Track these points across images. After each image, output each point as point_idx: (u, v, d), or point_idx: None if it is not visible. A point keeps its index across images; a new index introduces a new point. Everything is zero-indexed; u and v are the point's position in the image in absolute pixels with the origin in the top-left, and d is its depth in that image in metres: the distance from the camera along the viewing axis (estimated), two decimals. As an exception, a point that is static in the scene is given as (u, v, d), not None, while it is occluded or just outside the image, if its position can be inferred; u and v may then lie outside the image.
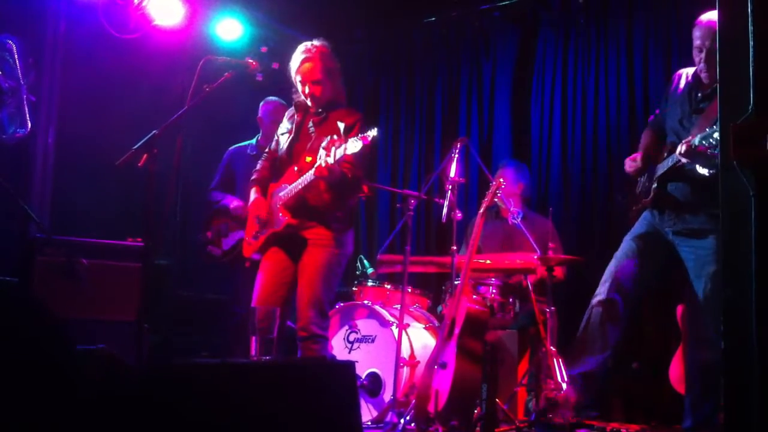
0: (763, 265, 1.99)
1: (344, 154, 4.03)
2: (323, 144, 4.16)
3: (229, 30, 6.64)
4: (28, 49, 5.62)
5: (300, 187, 4.22)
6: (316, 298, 4.19)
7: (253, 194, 4.49)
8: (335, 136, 4.15)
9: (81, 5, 5.95)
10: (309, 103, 4.40)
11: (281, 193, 4.33)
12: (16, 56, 5.53)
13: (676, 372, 4.84)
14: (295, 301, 4.23)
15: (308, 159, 4.27)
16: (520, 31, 6.82)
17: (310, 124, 4.41)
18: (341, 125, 4.30)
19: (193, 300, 6.25)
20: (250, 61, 4.42)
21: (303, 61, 4.38)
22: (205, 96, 4.09)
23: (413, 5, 7.01)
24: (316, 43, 4.42)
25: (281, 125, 4.57)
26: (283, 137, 4.48)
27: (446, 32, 7.17)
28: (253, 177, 4.57)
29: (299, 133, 4.42)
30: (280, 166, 4.44)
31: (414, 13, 7.13)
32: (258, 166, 4.60)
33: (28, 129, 5.59)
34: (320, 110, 4.40)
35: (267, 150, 4.63)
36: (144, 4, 5.97)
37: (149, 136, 3.74)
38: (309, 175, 4.17)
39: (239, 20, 6.66)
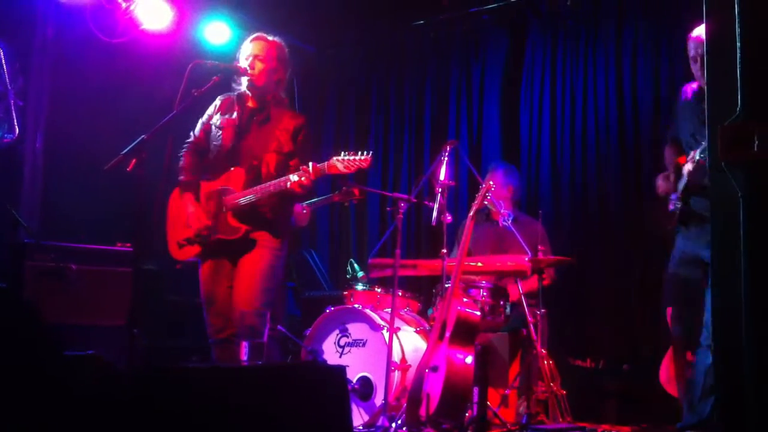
0: (753, 266, 2.00)
1: (327, 173, 4.02)
2: (273, 148, 4.19)
3: (218, 34, 6.63)
4: (15, 53, 5.60)
5: (259, 196, 4.12)
6: (260, 298, 4.14)
7: (189, 206, 4.27)
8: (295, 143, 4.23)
9: (69, 9, 5.94)
10: (245, 83, 4.32)
11: (226, 197, 4.20)
12: (3, 61, 5.51)
13: (667, 374, 4.85)
14: (236, 302, 4.15)
15: (255, 162, 4.22)
16: (510, 33, 6.84)
17: (253, 121, 4.33)
18: (290, 125, 4.27)
19: (183, 305, 6.22)
20: (239, 65, 4.40)
21: (255, 39, 4.37)
22: (194, 100, 4.07)
23: (403, 8, 7.01)
24: (276, 38, 4.42)
25: (213, 116, 4.42)
26: (218, 130, 4.35)
27: (436, 35, 7.18)
28: (181, 178, 4.36)
29: (242, 131, 4.31)
30: (217, 163, 4.30)
31: (403, 16, 7.14)
32: (183, 163, 4.39)
33: (16, 134, 5.57)
34: (262, 107, 4.34)
35: (190, 140, 4.46)
36: (132, 8, 5.95)
37: (138, 140, 3.72)
38: (277, 185, 4.08)
39: (227, 24, 6.65)
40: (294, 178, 4.02)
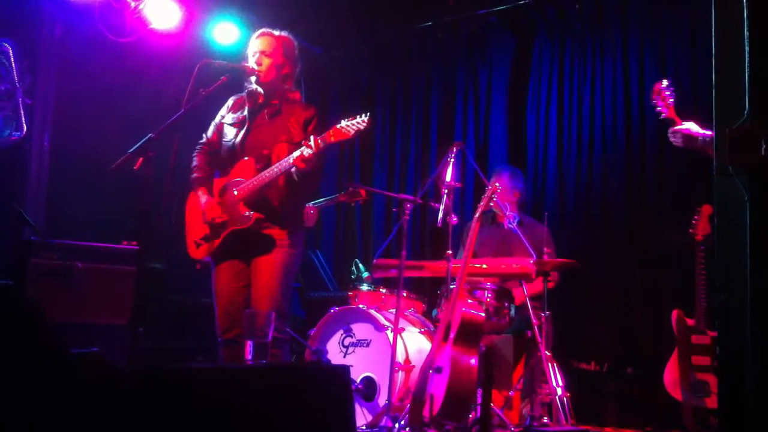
0: (758, 270, 1.99)
1: (329, 142, 4.00)
2: (284, 138, 4.20)
3: (226, 34, 6.64)
4: (24, 52, 5.62)
5: (267, 178, 4.11)
6: (275, 300, 4.13)
7: (202, 196, 4.31)
8: (305, 124, 4.23)
9: (77, 8, 5.95)
10: (254, 80, 4.33)
11: (238, 187, 4.19)
12: (12, 59, 5.54)
13: (671, 377, 4.84)
14: (252, 301, 4.15)
15: (265, 152, 4.22)
16: (516, 36, 6.83)
17: (264, 114, 4.34)
18: (301, 117, 4.29)
19: (187, 304, 6.23)
20: (247, 65, 4.41)
21: (262, 35, 4.38)
22: (202, 100, 4.08)
23: (409, 10, 7.01)
24: (283, 33, 4.42)
25: (225, 116, 4.44)
26: (230, 129, 4.37)
27: (442, 37, 7.18)
28: (194, 175, 4.40)
29: (252, 125, 4.32)
30: (228, 158, 4.31)
31: (409, 17, 7.13)
32: (196, 162, 4.43)
33: (24, 132, 5.59)
34: (272, 102, 4.35)
35: (203, 141, 4.48)
36: (140, 7, 5.96)
37: (145, 139, 3.73)
38: (281, 166, 4.07)
39: (236, 24, 6.66)
40: (296, 153, 4.03)
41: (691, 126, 3.89)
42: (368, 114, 4.04)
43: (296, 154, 4.02)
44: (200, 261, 4.38)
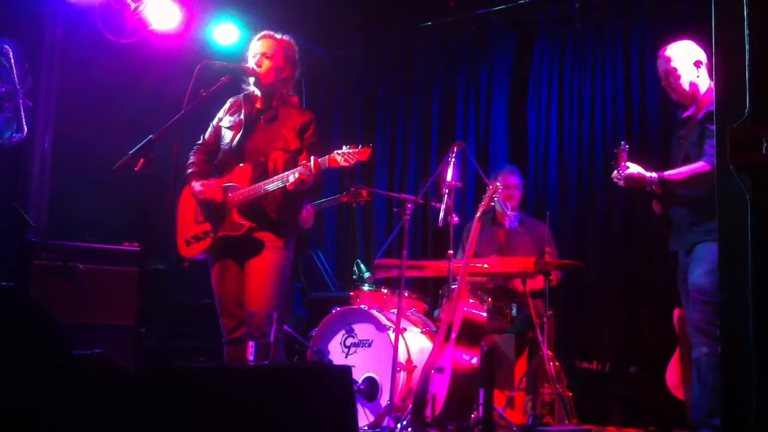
0: (760, 268, 1.99)
1: (328, 167, 4.01)
2: (279, 146, 4.19)
3: (226, 34, 6.64)
4: (25, 53, 5.63)
5: (263, 191, 4.11)
6: (271, 301, 4.13)
7: (196, 184, 4.28)
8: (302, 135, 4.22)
9: (78, 10, 5.95)
10: (253, 82, 4.33)
11: (233, 193, 4.19)
12: (12, 61, 5.54)
13: (674, 377, 4.84)
14: (247, 303, 4.15)
15: (262, 159, 4.22)
16: (517, 35, 6.84)
17: (260, 119, 4.33)
18: (296, 123, 4.28)
19: (190, 305, 6.23)
20: (247, 66, 4.41)
21: (263, 37, 4.37)
22: (202, 101, 4.08)
23: (410, 10, 7.02)
24: (285, 36, 4.42)
25: (222, 118, 4.43)
26: (227, 132, 4.35)
27: (443, 37, 7.18)
28: (190, 170, 4.37)
29: (249, 130, 4.31)
30: (225, 161, 4.30)
31: (411, 17, 7.14)
32: (193, 159, 4.41)
33: (25, 133, 5.60)
34: (269, 106, 4.34)
35: (200, 142, 4.47)
36: (141, 8, 5.97)
37: (146, 140, 3.72)
38: (280, 179, 4.07)
39: (236, 25, 6.66)
40: (295, 173, 4.03)
41: (637, 169, 4.13)
42: (369, 145, 4.04)
43: (295, 174, 4.01)
44: (189, 259, 4.38)
